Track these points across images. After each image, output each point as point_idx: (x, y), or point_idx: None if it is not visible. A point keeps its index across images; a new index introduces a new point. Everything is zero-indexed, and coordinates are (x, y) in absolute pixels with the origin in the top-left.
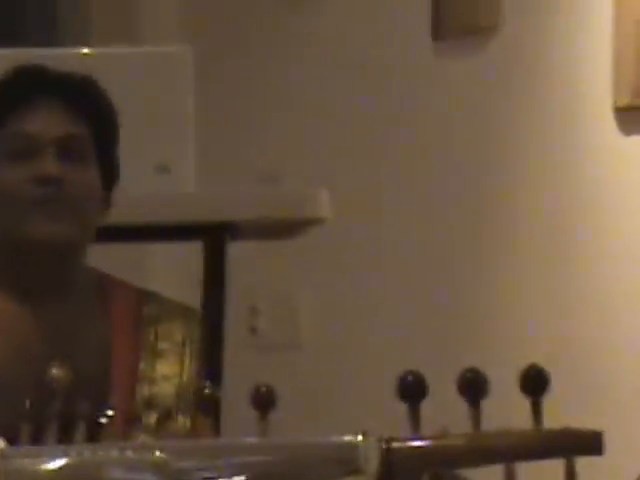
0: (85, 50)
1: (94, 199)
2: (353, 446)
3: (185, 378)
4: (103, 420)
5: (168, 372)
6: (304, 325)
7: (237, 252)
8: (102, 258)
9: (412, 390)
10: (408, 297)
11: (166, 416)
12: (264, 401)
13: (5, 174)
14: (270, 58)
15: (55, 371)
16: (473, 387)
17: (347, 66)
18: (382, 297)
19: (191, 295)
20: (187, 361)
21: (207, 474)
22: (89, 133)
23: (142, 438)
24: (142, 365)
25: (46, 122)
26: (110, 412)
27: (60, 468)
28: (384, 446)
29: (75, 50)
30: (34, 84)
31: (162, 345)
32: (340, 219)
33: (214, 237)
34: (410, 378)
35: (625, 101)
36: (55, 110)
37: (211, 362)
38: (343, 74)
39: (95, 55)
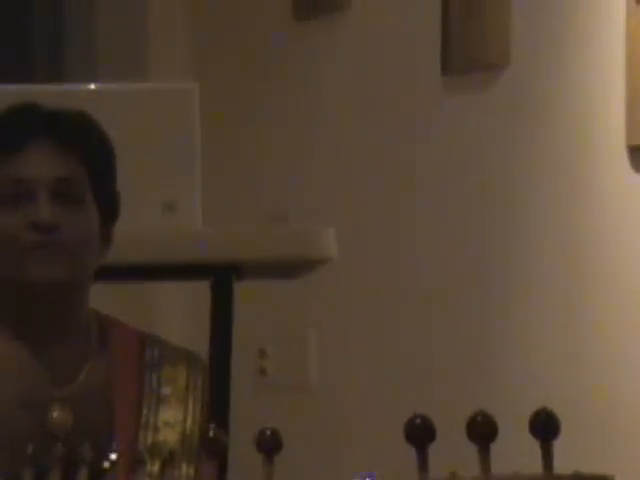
0: (90, 86)
1: (91, 240)
2: None
3: (189, 424)
4: (106, 465)
5: (171, 418)
6: (313, 367)
7: (245, 292)
8: (107, 298)
9: (420, 433)
10: (419, 338)
11: (170, 462)
12: (269, 444)
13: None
14: (277, 94)
15: (56, 414)
16: (483, 431)
17: (355, 101)
18: (393, 338)
19: (198, 336)
20: (191, 407)
21: None
22: (83, 172)
23: None
24: (145, 411)
25: (38, 165)
26: (113, 456)
27: None
28: None
29: (80, 86)
30: (24, 125)
31: (165, 390)
32: (349, 257)
33: (221, 277)
34: (418, 421)
35: (638, 139)
36: (47, 151)
37: (218, 404)
38: (351, 109)
39: (100, 91)
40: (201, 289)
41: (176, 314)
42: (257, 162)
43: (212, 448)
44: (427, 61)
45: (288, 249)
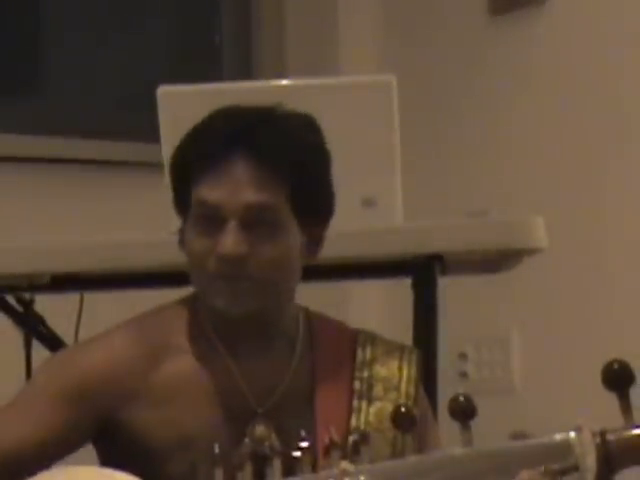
0: (286, 82)
1: (286, 264)
2: (567, 444)
3: None
4: (297, 454)
5: (381, 423)
6: (516, 369)
7: (442, 294)
8: (301, 297)
9: (619, 378)
10: (632, 337)
11: (364, 442)
12: (463, 410)
13: (192, 240)
14: (472, 88)
15: (258, 431)
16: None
17: (553, 93)
18: (605, 337)
19: (397, 337)
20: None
21: None
22: (285, 191)
23: (343, 465)
24: (354, 414)
25: (230, 189)
26: (304, 444)
27: None
28: (599, 440)
29: (273, 82)
30: (220, 140)
31: (376, 392)
32: (553, 254)
33: (424, 270)
34: (616, 366)
35: None
36: (242, 172)
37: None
38: (549, 101)
39: (295, 87)
40: (397, 291)
41: (373, 319)
42: (454, 158)
43: (403, 422)
44: (635, 52)
45: (495, 238)
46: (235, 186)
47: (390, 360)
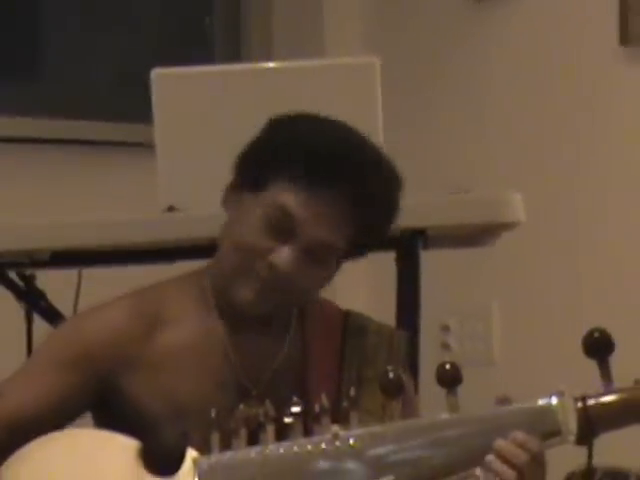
0: (271, 64)
1: (316, 290)
2: (549, 409)
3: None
4: (289, 419)
5: (370, 404)
6: (496, 341)
7: (426, 269)
8: None
9: (599, 345)
10: (607, 309)
11: (353, 407)
12: (450, 377)
13: (249, 232)
14: (456, 65)
15: (243, 408)
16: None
17: (534, 71)
18: (581, 309)
19: (381, 310)
20: None
21: (401, 455)
22: (352, 234)
23: (334, 429)
24: (344, 396)
25: (316, 215)
26: (295, 409)
27: (262, 465)
28: (580, 404)
29: (261, 65)
30: (324, 168)
31: (366, 372)
32: (533, 227)
33: (407, 245)
34: (597, 335)
35: None
36: (335, 204)
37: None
38: (530, 79)
39: (281, 69)
40: (381, 265)
41: (357, 292)
42: (436, 138)
43: (391, 387)
44: (605, 31)
45: (476, 214)
46: (318, 214)
47: (381, 344)
